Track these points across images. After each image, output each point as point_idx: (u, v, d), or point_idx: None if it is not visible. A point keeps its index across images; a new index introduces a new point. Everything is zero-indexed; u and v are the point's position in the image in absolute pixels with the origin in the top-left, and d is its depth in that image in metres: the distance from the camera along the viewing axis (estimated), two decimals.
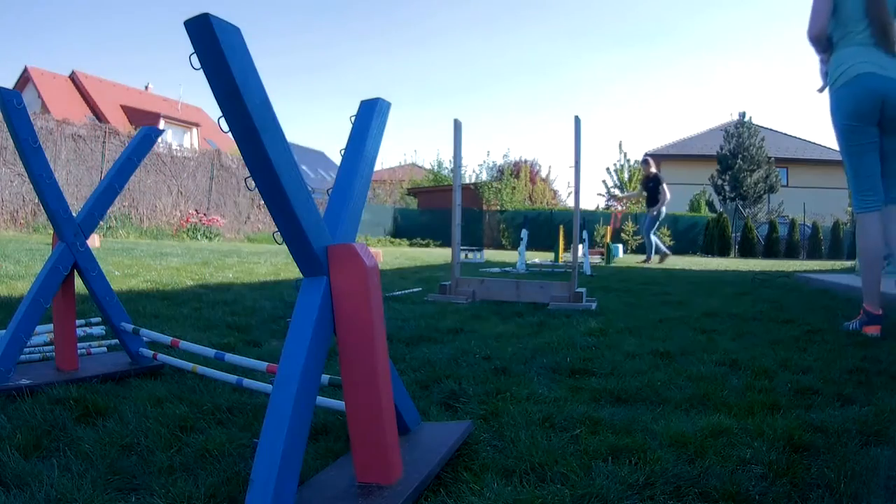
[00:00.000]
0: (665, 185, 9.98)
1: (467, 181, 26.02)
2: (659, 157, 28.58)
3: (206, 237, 13.88)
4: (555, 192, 31.83)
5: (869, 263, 2.78)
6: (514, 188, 25.36)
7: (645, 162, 10.42)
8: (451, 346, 2.36)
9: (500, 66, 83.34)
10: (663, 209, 10.00)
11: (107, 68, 73.37)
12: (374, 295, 1.04)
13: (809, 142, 29.31)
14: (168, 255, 6.77)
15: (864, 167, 2.74)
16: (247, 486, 0.90)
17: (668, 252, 10.51)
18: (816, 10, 2.73)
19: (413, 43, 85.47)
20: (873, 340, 2.57)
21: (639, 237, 20.37)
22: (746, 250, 19.25)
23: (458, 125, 4.03)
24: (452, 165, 4.33)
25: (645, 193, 10.43)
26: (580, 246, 6.77)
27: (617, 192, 28.41)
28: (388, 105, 1.27)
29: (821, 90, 2.93)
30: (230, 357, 1.53)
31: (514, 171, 26.49)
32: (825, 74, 2.87)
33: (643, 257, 11.04)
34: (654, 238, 10.28)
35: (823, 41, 2.77)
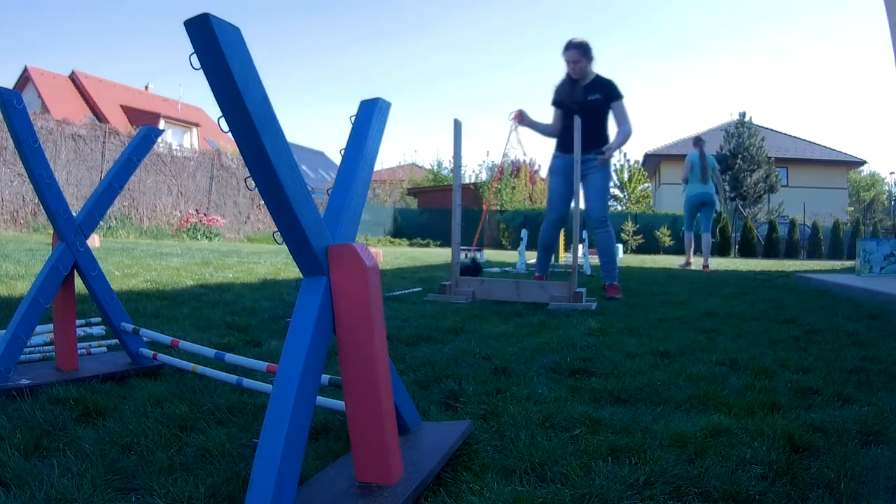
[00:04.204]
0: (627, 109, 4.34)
1: (467, 181, 26.00)
2: (659, 157, 28.58)
3: (206, 237, 13.88)
4: None
5: (686, 249, 9.06)
6: (514, 188, 25.35)
7: (579, 48, 4.25)
8: (451, 346, 2.36)
9: (501, 65, 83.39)
10: (620, 144, 4.44)
11: (107, 68, 73.47)
12: (374, 295, 1.04)
13: (809, 142, 29.30)
14: (168, 255, 6.77)
15: (690, 219, 8.60)
16: (247, 486, 0.90)
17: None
18: (685, 170, 8.45)
19: (413, 43, 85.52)
20: (873, 341, 2.57)
21: (639, 237, 20.36)
22: (746, 250, 19.24)
23: (458, 125, 4.03)
24: (452, 165, 4.33)
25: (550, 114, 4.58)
26: (580, 246, 6.72)
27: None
28: (387, 105, 1.27)
29: (683, 188, 8.68)
30: (230, 357, 1.53)
31: (514, 171, 26.47)
32: (683, 190, 8.60)
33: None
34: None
35: (686, 179, 8.42)
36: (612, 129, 4.41)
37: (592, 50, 4.30)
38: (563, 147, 4.40)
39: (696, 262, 9.04)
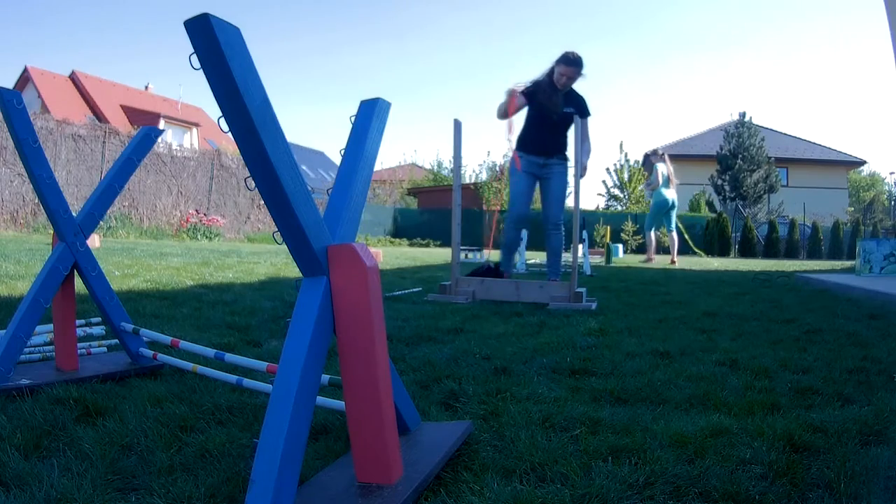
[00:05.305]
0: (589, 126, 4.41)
1: (467, 181, 25.98)
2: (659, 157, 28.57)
3: (206, 237, 13.87)
4: None
5: (649, 246, 10.67)
6: None
7: (578, 67, 4.22)
8: (451, 346, 2.36)
9: (501, 65, 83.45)
10: (586, 163, 4.36)
11: (107, 68, 73.43)
12: (374, 295, 1.04)
13: (809, 142, 29.29)
14: (168, 255, 6.77)
15: (655, 220, 10.35)
16: (247, 486, 0.90)
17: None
18: (657, 179, 9.87)
19: (413, 43, 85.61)
20: (873, 341, 2.57)
21: (639, 237, 20.34)
22: (746, 250, 19.23)
23: (458, 125, 4.03)
24: (452, 165, 4.32)
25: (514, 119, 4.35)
26: (580, 246, 6.69)
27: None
28: (387, 105, 1.27)
29: (648, 194, 17.66)
30: (230, 357, 1.53)
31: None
32: (650, 194, 11.52)
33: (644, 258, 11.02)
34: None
35: (655, 187, 9.95)
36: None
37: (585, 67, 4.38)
38: (529, 148, 4.41)
39: (659, 259, 10.77)
